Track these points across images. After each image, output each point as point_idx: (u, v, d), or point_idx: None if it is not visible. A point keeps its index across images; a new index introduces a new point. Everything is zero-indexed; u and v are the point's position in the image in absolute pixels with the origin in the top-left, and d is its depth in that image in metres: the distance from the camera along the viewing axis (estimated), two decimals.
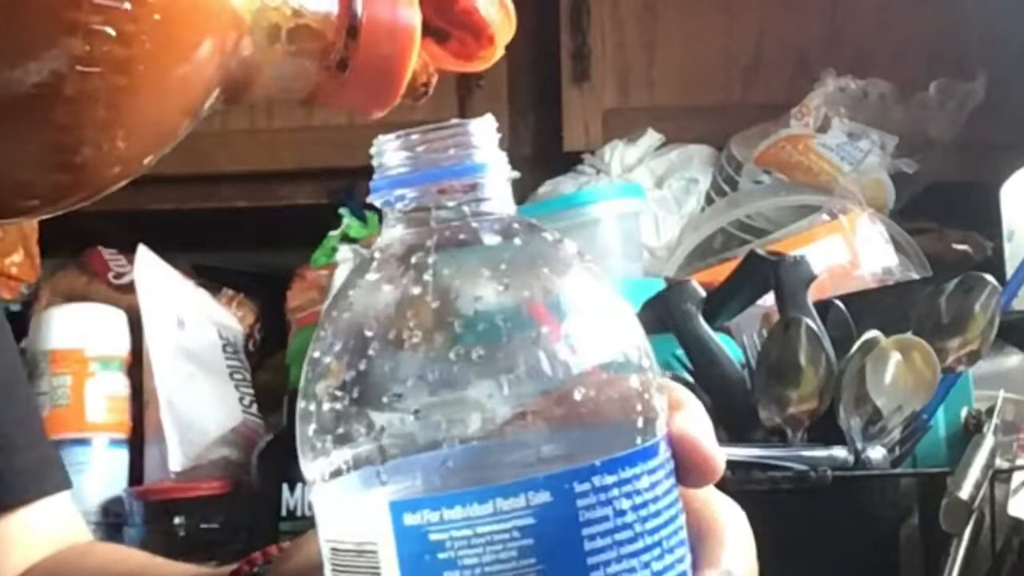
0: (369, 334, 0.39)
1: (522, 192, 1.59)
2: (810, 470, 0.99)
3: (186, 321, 1.59)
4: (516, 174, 0.42)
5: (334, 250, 1.61)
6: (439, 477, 0.37)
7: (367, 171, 0.41)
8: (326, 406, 0.39)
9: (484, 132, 0.41)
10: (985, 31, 1.66)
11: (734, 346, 1.12)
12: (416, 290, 0.39)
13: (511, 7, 0.57)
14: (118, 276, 1.67)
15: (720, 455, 0.42)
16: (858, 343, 1.02)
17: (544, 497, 0.37)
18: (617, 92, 1.72)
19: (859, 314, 1.07)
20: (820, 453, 1.01)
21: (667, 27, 1.72)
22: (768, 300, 1.09)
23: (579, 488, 0.37)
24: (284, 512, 1.40)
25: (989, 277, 1.04)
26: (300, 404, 0.40)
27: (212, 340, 1.61)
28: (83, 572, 0.77)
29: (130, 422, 1.57)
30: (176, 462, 1.49)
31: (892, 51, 1.69)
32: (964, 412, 1.10)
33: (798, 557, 0.90)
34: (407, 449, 0.37)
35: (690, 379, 1.06)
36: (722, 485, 0.44)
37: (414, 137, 0.40)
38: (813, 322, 1.02)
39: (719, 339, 1.08)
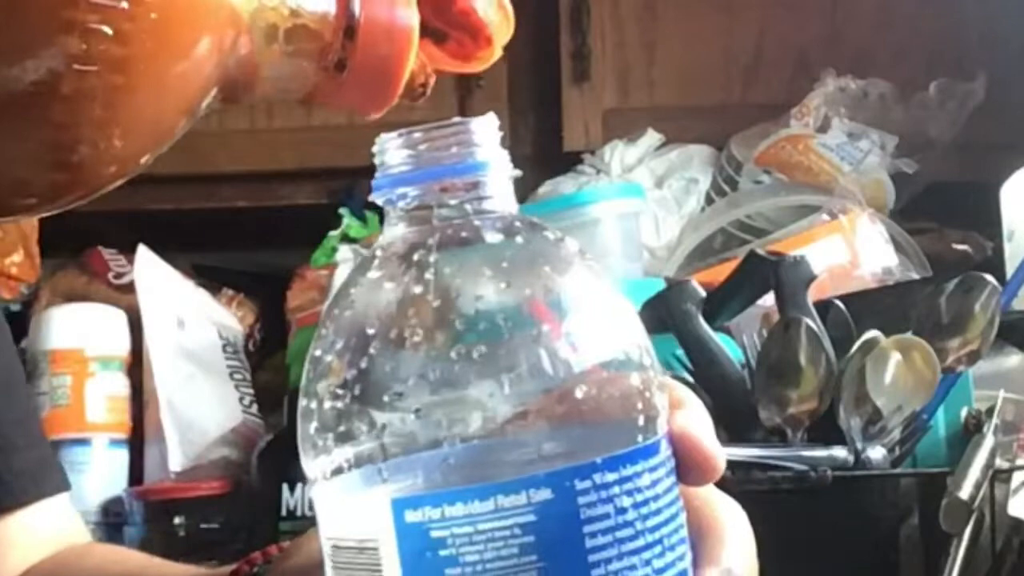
0: (371, 332, 0.39)
1: (522, 192, 1.58)
2: (810, 470, 0.99)
3: (186, 321, 1.59)
4: (518, 172, 0.42)
5: (334, 250, 1.61)
6: (440, 474, 0.37)
7: (367, 171, 0.41)
8: (327, 404, 0.39)
9: (486, 130, 0.41)
10: (985, 31, 1.66)
11: (734, 346, 1.12)
12: (418, 288, 0.39)
13: (509, 8, 0.57)
14: (118, 276, 1.67)
15: (721, 454, 0.42)
16: (858, 343, 1.02)
17: (545, 494, 0.37)
18: (617, 92, 1.72)
19: (859, 314, 1.07)
20: (820, 453, 1.01)
21: (667, 27, 1.72)
22: (768, 300, 1.09)
23: (580, 485, 0.37)
24: (284, 512, 1.40)
25: (989, 277, 1.04)
26: (301, 402, 0.40)
27: (212, 340, 1.61)
28: (81, 573, 0.76)
29: (130, 422, 1.57)
30: (176, 462, 1.49)
31: (892, 51, 1.68)
32: (964, 412, 1.10)
33: (798, 557, 0.90)
34: (408, 447, 0.37)
35: (690, 379, 1.06)
36: (722, 485, 0.44)
37: (416, 135, 0.40)
38: (813, 322, 1.02)
39: (719, 339, 1.08)
